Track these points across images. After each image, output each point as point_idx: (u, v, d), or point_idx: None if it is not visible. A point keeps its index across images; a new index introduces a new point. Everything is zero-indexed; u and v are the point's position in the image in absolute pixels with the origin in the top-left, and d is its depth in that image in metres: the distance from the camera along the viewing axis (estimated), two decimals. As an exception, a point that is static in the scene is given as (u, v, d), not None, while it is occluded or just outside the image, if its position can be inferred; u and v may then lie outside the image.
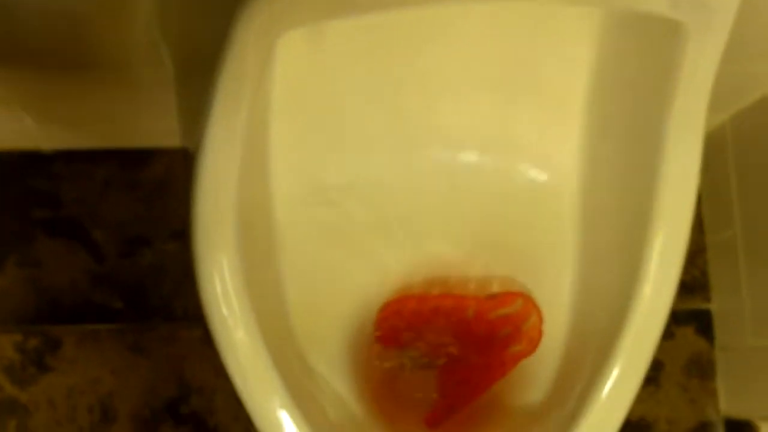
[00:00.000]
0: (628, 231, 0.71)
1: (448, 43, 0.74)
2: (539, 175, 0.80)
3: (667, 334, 1.13)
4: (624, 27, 0.70)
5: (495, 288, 0.82)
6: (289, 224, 0.77)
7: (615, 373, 0.68)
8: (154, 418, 1.11)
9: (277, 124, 0.73)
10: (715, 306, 1.15)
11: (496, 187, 0.81)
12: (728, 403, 1.13)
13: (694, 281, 1.16)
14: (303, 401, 0.66)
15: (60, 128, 1.11)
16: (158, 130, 1.11)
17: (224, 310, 0.61)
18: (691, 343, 1.15)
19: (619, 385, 0.68)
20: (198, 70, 0.82)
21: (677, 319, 1.15)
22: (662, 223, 0.67)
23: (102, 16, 0.80)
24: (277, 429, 0.63)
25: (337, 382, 0.77)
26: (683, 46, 0.62)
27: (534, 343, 0.79)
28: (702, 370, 1.15)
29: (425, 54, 0.74)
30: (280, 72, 0.70)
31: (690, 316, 1.15)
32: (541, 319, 0.79)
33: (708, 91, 0.64)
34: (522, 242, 0.81)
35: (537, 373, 0.78)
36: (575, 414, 0.68)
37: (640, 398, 1.12)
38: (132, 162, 1.15)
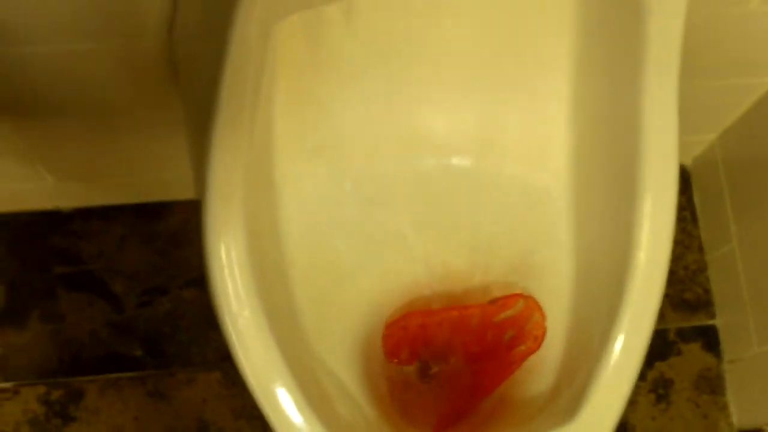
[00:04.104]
0: (618, 213, 0.72)
1: (437, 41, 0.76)
2: (529, 175, 0.82)
3: (675, 352, 1.16)
4: (595, 9, 0.72)
5: (496, 292, 0.83)
6: (294, 231, 0.79)
7: (621, 337, 0.68)
8: (177, 461, 1.13)
9: (282, 123, 0.76)
10: (719, 321, 1.17)
11: (489, 191, 0.83)
12: (739, 416, 1.14)
13: (697, 299, 1.18)
14: (307, 385, 0.66)
15: (78, 186, 1.15)
16: (173, 184, 1.15)
17: (229, 284, 0.62)
18: (699, 359, 1.17)
19: (626, 348, 0.68)
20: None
21: (684, 336, 1.17)
22: (648, 195, 0.68)
23: (112, 57, 0.85)
24: (277, 407, 0.63)
25: (348, 382, 0.78)
26: (646, 25, 0.66)
27: (539, 340, 0.80)
28: (712, 385, 1.16)
29: (414, 55, 0.77)
30: (280, 65, 0.72)
31: (696, 333, 1.18)
32: (543, 317, 0.81)
33: (676, 64, 0.67)
34: (518, 243, 0.83)
35: (542, 366, 0.79)
36: (585, 386, 0.68)
37: (653, 416, 1.14)
38: (147, 215, 1.20)
